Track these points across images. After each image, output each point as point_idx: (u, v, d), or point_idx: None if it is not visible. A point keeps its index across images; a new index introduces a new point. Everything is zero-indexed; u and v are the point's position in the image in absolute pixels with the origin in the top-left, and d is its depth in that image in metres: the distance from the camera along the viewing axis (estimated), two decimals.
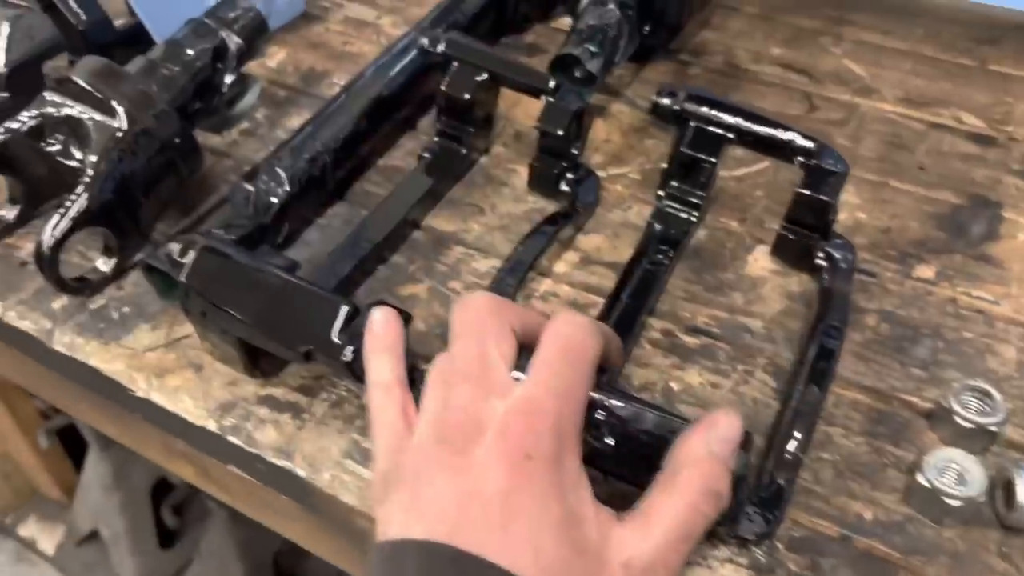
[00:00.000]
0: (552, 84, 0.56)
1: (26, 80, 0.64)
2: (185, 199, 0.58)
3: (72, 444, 1.39)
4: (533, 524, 0.31)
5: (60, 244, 0.49)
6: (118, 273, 0.54)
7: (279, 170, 0.54)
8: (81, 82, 0.53)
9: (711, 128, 0.52)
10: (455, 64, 0.58)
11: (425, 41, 0.59)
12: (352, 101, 0.60)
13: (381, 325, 0.39)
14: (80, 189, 0.50)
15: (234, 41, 0.60)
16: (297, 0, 0.78)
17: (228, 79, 0.60)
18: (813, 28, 0.76)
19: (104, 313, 0.51)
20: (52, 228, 0.49)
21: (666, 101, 0.53)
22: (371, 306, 0.41)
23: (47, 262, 0.49)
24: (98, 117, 0.52)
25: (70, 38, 0.67)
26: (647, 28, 0.67)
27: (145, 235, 0.55)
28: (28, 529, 1.53)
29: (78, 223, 0.49)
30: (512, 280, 0.49)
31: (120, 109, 0.52)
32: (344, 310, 0.41)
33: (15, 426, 1.26)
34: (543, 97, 0.56)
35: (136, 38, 0.72)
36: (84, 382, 0.50)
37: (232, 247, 0.45)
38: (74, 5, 0.67)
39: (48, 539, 1.51)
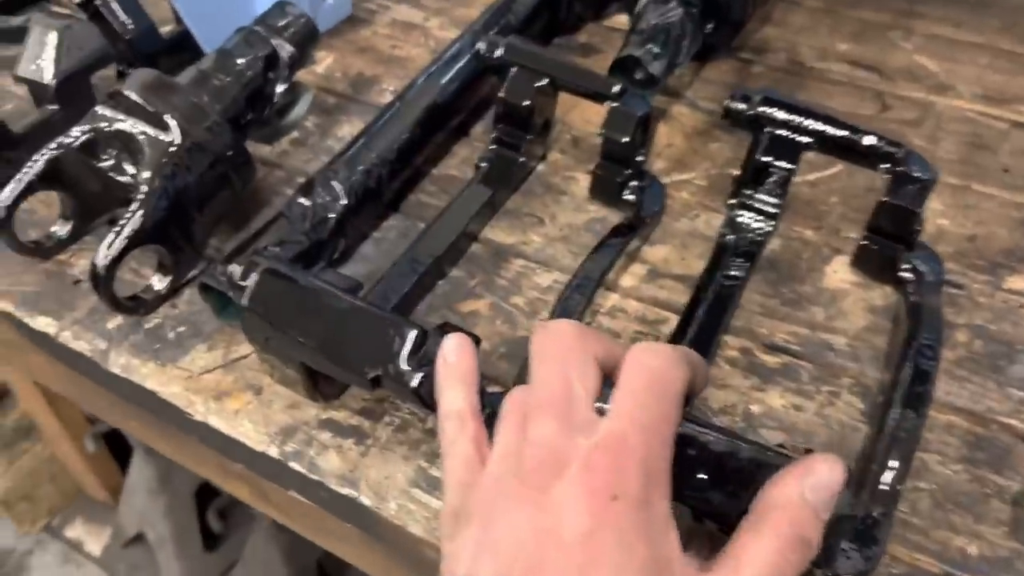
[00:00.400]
0: (616, 89, 0.53)
1: (75, 92, 0.63)
2: (237, 213, 0.57)
3: (118, 447, 1.40)
4: (616, 570, 0.29)
5: (115, 264, 0.48)
6: (172, 291, 0.52)
7: (335, 183, 0.52)
8: (133, 96, 0.52)
9: (788, 134, 0.49)
10: (514, 69, 0.55)
11: (482, 46, 0.57)
12: (406, 110, 0.58)
13: (455, 353, 0.37)
14: (134, 206, 0.49)
15: (286, 49, 0.58)
16: (344, 3, 0.77)
17: (280, 88, 0.58)
18: (880, 22, 0.73)
19: (159, 333, 0.50)
20: (107, 248, 0.47)
21: (740, 106, 0.50)
22: (439, 329, 0.39)
23: (102, 282, 0.48)
24: (150, 131, 0.51)
25: (118, 47, 0.66)
26: (709, 26, 0.65)
27: (199, 251, 0.53)
28: (75, 530, 1.54)
29: (133, 242, 0.48)
30: (580, 297, 0.46)
31: (172, 123, 0.51)
32: (412, 335, 0.39)
33: (62, 430, 1.27)
34: (606, 102, 0.54)
35: (183, 45, 0.71)
36: (140, 403, 0.49)
37: (294, 269, 0.43)
38: (122, 14, 0.66)
39: (95, 541, 1.52)
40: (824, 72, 0.68)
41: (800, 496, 0.31)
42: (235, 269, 0.43)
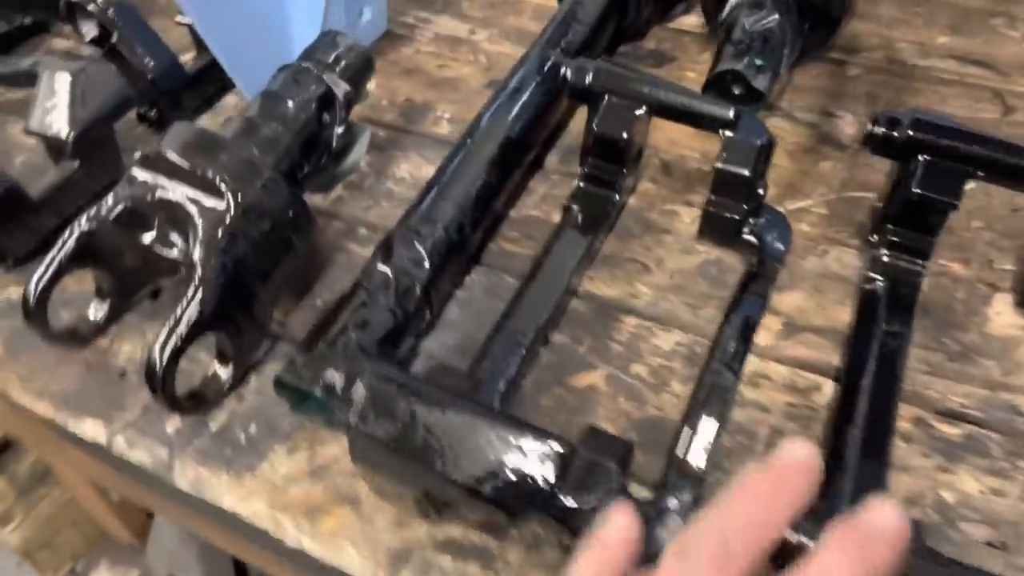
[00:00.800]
0: (731, 115, 0.46)
1: (97, 143, 0.55)
2: (296, 273, 0.50)
3: None
4: None
5: (175, 362, 0.41)
6: (237, 380, 0.45)
7: (416, 244, 0.45)
8: (175, 157, 0.44)
9: (949, 162, 0.42)
10: (608, 98, 0.48)
11: (568, 72, 0.49)
12: (478, 148, 0.51)
13: (616, 540, 0.28)
14: (190, 292, 0.41)
15: (341, 87, 0.50)
16: (379, 19, 0.69)
17: (337, 131, 0.51)
18: (980, 8, 0.66)
19: (229, 435, 0.43)
20: (162, 346, 0.40)
21: (886, 131, 0.43)
22: (592, 446, 0.32)
23: (161, 384, 0.41)
24: (201, 198, 0.44)
25: (139, 87, 0.58)
26: (805, 27, 0.57)
27: (263, 329, 0.46)
28: (100, 575, 1.48)
29: (192, 335, 0.41)
30: (729, 373, 0.40)
31: (224, 187, 0.43)
32: (558, 452, 0.32)
33: (85, 483, 1.20)
34: (722, 131, 0.46)
35: (208, 77, 0.63)
36: (219, 520, 0.42)
37: (404, 373, 0.36)
38: (142, 52, 0.58)
39: None
40: (929, 71, 0.61)
41: None
42: (335, 377, 0.36)
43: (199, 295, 0.41)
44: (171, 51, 0.60)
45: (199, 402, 0.44)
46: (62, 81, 0.54)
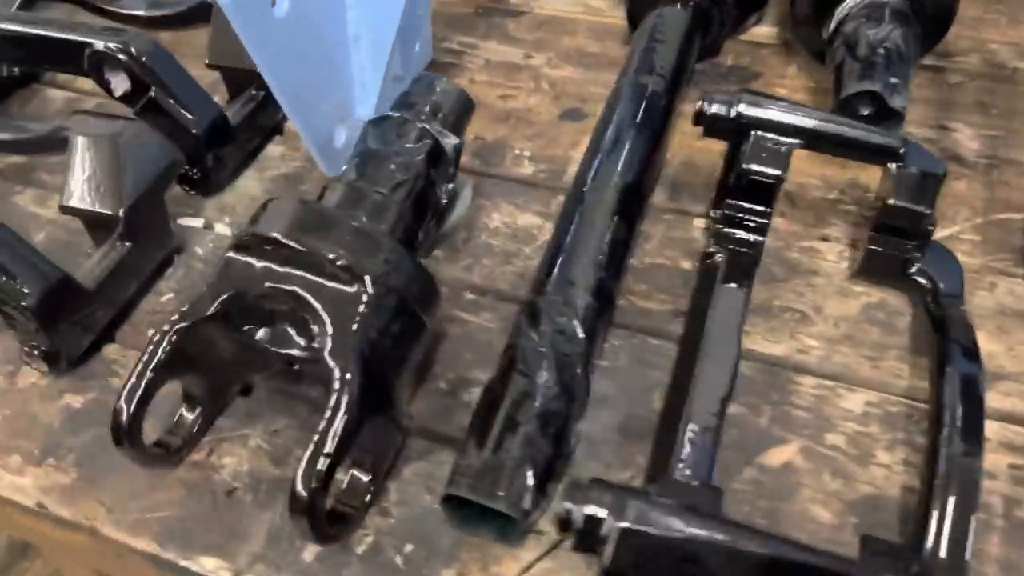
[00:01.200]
0: (900, 145, 0.42)
1: (147, 216, 0.48)
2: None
3: None
4: None
5: (327, 487, 0.34)
6: (378, 491, 0.39)
7: (565, 313, 0.40)
8: (284, 239, 0.37)
9: None
10: (756, 133, 0.43)
11: (715, 108, 0.44)
12: (597, 197, 0.45)
13: None
14: (332, 400, 0.35)
15: (449, 139, 0.44)
16: (425, 47, 0.62)
17: (448, 187, 0.45)
18: None
19: (381, 559, 0.37)
20: (308, 470, 0.33)
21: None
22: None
23: (313, 514, 0.34)
24: (322, 284, 0.37)
25: (182, 146, 0.51)
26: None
27: (400, 427, 0.40)
28: None
29: (345, 449, 0.34)
30: (965, 444, 0.35)
31: (352, 269, 0.37)
32: None
33: None
34: (890, 164, 0.42)
35: (250, 127, 0.56)
36: None
37: (669, 506, 0.30)
38: (185, 106, 0.51)
39: None
40: None
41: None
42: (596, 510, 0.30)
43: (344, 399, 0.35)
44: (216, 103, 0.53)
45: (344, 525, 0.37)
46: (103, 148, 0.47)
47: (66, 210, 0.47)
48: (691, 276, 0.47)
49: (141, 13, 0.60)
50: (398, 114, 0.45)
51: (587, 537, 0.29)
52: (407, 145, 0.43)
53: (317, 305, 0.37)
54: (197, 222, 0.53)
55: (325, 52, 0.49)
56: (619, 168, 0.47)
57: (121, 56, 0.49)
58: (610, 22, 0.66)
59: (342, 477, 0.38)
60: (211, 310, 0.38)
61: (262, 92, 0.56)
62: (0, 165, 0.59)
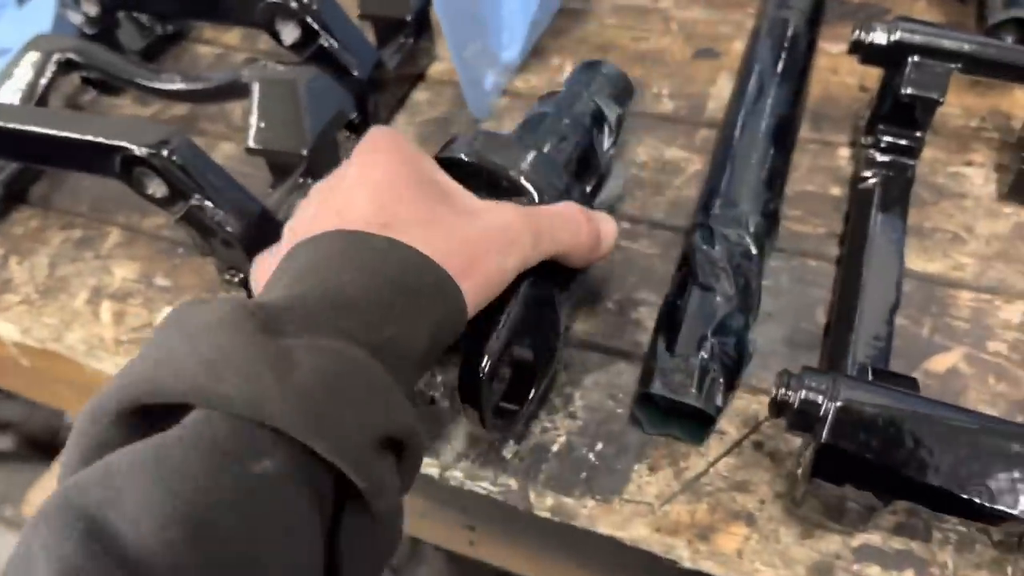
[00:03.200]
0: None
1: (325, 158, 0.52)
2: (587, 278, 0.47)
3: None
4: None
5: (492, 376, 0.36)
6: (543, 394, 0.42)
7: (737, 231, 0.42)
8: (471, 160, 0.40)
9: None
10: (914, 59, 0.45)
11: (874, 35, 0.46)
12: (753, 127, 0.48)
13: None
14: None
15: (612, 109, 0.47)
16: None
17: (610, 152, 0.47)
18: None
19: (576, 456, 0.40)
20: (482, 356, 0.36)
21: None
22: None
23: (482, 398, 0.37)
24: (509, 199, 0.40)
25: (349, 91, 0.54)
26: None
27: (558, 333, 0.43)
28: None
29: (510, 341, 0.36)
30: None
31: (531, 188, 0.40)
32: None
33: None
34: None
35: (401, 73, 0.59)
36: (588, 550, 0.39)
37: (867, 383, 0.33)
38: (351, 52, 0.54)
39: None
40: None
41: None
42: (811, 389, 0.32)
43: (515, 294, 0.37)
44: (375, 50, 0.56)
45: (510, 419, 0.40)
46: (283, 92, 0.50)
47: (252, 151, 0.51)
48: (841, 201, 0.49)
49: None
50: (568, 87, 0.47)
51: (803, 417, 0.32)
52: (574, 108, 0.46)
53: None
54: None
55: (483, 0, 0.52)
56: (770, 101, 0.49)
57: (295, 6, 0.53)
58: None
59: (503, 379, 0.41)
60: None
61: (411, 40, 0.59)
62: (164, 116, 0.64)
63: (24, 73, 0.57)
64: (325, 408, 0.25)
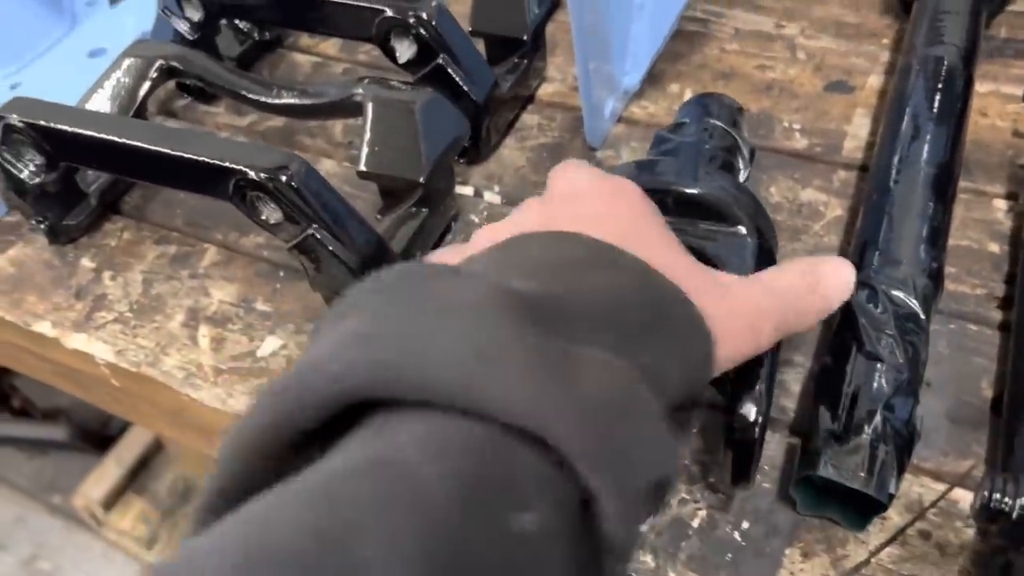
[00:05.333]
0: None
1: (440, 183, 0.49)
2: None
3: None
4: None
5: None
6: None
7: (902, 293, 0.39)
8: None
9: None
10: None
11: None
12: (909, 176, 0.44)
13: None
14: None
15: (747, 143, 0.44)
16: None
17: (742, 179, 0.44)
18: None
19: (719, 534, 0.37)
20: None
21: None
22: None
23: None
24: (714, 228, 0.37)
25: (464, 113, 0.51)
26: None
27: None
28: None
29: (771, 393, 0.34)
30: None
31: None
32: None
33: None
34: None
35: (516, 94, 0.56)
36: None
37: None
38: (469, 73, 0.51)
39: None
40: None
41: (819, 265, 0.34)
42: (1012, 502, 0.29)
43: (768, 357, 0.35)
44: (492, 71, 0.53)
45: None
46: (400, 114, 0.47)
47: (364, 175, 0.48)
48: (1000, 260, 0.45)
49: None
50: (703, 120, 0.44)
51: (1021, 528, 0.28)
52: (713, 141, 0.42)
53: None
54: (467, 190, 0.54)
55: (613, 19, 0.49)
56: (927, 146, 0.45)
57: (413, 22, 0.50)
58: None
59: None
60: None
61: (525, 60, 0.56)
62: (260, 128, 0.61)
63: (124, 78, 0.55)
64: (614, 435, 0.20)
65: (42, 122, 0.47)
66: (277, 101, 0.54)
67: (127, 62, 0.55)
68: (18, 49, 0.67)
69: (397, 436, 0.18)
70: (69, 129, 0.46)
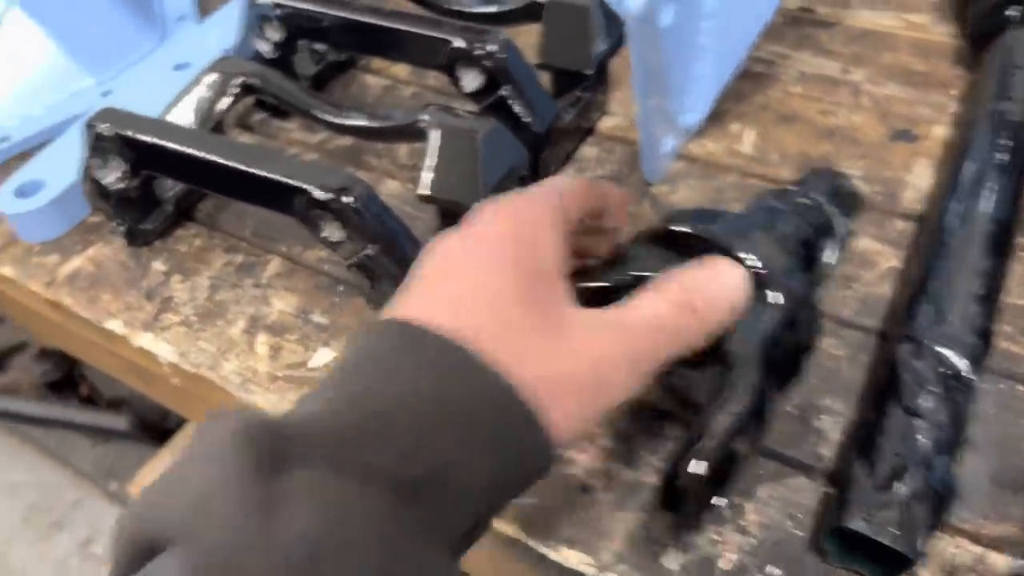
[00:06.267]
0: None
1: None
2: None
3: None
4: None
5: (712, 481, 0.34)
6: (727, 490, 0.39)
7: (949, 351, 0.38)
8: (700, 233, 0.38)
9: None
10: None
11: None
12: (966, 230, 0.44)
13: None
14: (728, 392, 0.35)
15: (842, 223, 0.43)
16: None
17: (829, 263, 0.43)
18: None
19: None
20: (707, 456, 0.33)
21: None
22: None
23: (697, 505, 0.35)
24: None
25: (524, 143, 0.53)
26: None
27: (761, 436, 0.40)
28: None
29: (729, 441, 0.34)
30: None
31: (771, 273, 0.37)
32: None
33: None
34: None
35: (578, 127, 0.57)
36: None
37: None
38: (532, 107, 0.53)
39: None
40: None
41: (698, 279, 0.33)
42: None
43: (742, 387, 0.35)
44: (554, 103, 0.55)
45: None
46: (462, 142, 0.49)
47: (425, 198, 0.50)
48: None
49: (475, 10, 0.62)
50: (796, 196, 0.44)
51: None
52: (808, 215, 0.42)
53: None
54: None
55: (674, 58, 0.50)
56: (987, 202, 0.45)
57: (481, 55, 0.52)
58: (936, 40, 0.63)
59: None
60: None
61: (588, 94, 0.58)
62: (330, 146, 0.64)
63: (204, 93, 0.58)
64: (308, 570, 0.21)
65: (128, 133, 0.50)
66: (347, 122, 0.56)
67: (210, 78, 0.58)
68: (112, 58, 0.71)
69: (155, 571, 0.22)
70: (153, 141, 0.49)
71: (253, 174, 0.46)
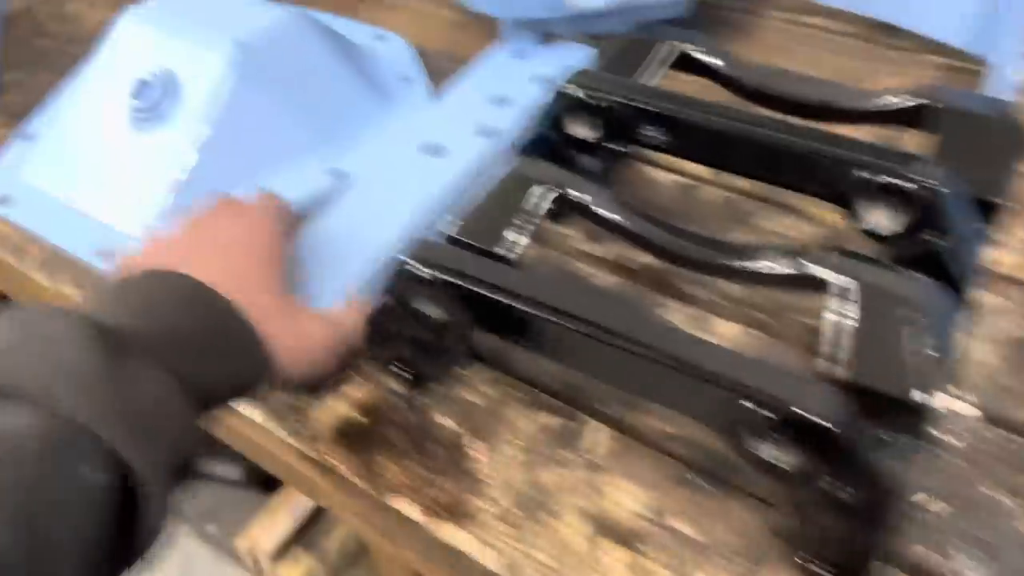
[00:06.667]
0: None
1: None
2: None
3: None
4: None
5: None
6: None
7: None
8: None
9: None
10: None
11: None
12: None
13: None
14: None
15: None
16: None
17: None
18: None
19: None
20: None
21: None
22: None
23: None
24: None
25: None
26: None
27: None
28: None
29: None
30: None
31: None
32: None
33: None
34: None
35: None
36: None
37: None
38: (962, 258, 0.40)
39: None
40: None
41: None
42: None
43: None
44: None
45: None
46: (898, 312, 0.37)
47: (843, 385, 0.37)
48: None
49: (836, 103, 0.49)
50: None
51: None
52: None
53: None
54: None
55: None
56: None
57: (909, 187, 0.39)
58: None
59: None
60: None
61: None
62: (633, 264, 0.52)
63: (536, 203, 0.46)
64: (146, 424, 0.31)
65: (460, 282, 0.39)
66: (691, 255, 0.44)
67: (539, 190, 0.46)
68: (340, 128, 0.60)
69: (5, 415, 0.29)
70: (489, 295, 0.38)
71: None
